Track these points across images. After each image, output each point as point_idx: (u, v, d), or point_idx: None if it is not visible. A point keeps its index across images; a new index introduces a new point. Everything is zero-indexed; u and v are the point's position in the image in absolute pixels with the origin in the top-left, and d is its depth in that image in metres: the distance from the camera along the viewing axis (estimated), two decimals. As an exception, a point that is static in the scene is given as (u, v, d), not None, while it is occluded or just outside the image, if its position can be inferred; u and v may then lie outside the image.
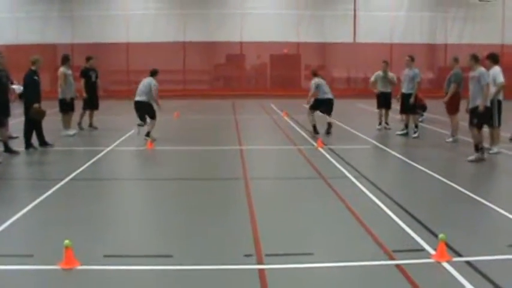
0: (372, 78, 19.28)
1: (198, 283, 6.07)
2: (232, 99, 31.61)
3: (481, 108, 12.76)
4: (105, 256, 6.74)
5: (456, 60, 16.00)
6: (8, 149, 13.76)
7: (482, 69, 13.00)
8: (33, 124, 14.70)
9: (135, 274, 6.33)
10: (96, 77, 18.81)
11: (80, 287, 6.00)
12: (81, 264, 6.37)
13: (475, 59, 13.21)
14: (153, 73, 16.93)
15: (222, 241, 7.42)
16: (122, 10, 35.83)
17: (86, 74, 18.39)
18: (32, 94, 14.59)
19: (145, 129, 15.80)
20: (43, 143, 14.82)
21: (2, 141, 13.89)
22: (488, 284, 5.88)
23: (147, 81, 16.41)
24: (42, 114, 14.75)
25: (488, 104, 12.98)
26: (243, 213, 8.67)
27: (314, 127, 17.35)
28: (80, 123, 18.44)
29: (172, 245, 7.26)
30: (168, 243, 7.41)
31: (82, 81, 18.31)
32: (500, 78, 13.37)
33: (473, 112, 13.04)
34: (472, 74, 13.10)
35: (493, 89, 13.31)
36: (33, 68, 14.83)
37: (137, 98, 16.15)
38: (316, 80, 17.59)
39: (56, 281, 6.13)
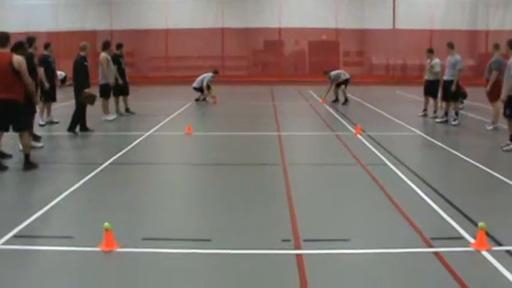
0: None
1: (236, 267, 6.11)
2: (270, 86, 31.59)
3: (503, 98, 12.61)
4: (144, 239, 6.82)
5: (497, 46, 15.72)
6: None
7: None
8: (84, 109, 14.93)
9: (174, 257, 6.39)
10: (124, 64, 19.02)
11: (119, 269, 6.09)
12: (121, 247, 6.46)
13: (510, 45, 13.01)
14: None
15: (260, 226, 7.45)
16: (160, -4, 36.03)
17: (116, 60, 18.54)
18: (82, 79, 14.81)
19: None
20: (84, 128, 15.01)
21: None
22: (529, 274, 5.81)
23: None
24: (92, 99, 14.96)
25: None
26: (281, 198, 8.68)
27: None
28: (117, 109, 18.64)
29: (211, 229, 7.31)
30: (207, 227, 7.46)
31: (114, 68, 18.51)
32: None
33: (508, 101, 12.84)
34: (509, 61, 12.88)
35: None
36: (82, 53, 15.08)
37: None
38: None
39: (96, 262, 6.22)
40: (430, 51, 18.59)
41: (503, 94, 12.72)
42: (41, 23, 33.79)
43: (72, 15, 35.33)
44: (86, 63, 14.98)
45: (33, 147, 11.94)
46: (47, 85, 15.15)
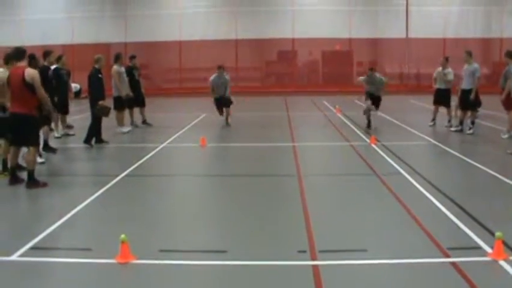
0: (434, 74, 18.90)
1: (252, 278, 6.12)
2: (284, 96, 31.60)
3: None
4: (161, 251, 6.85)
5: (510, 55, 15.64)
6: (46, 147, 13.70)
7: None
8: (99, 121, 15.04)
9: (190, 268, 6.41)
10: (139, 75, 19.07)
11: (135, 281, 6.11)
12: (137, 259, 6.49)
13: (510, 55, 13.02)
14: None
15: (276, 237, 7.45)
16: (173, 9, 36.22)
17: (129, 72, 18.62)
18: (97, 92, 14.93)
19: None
20: (99, 140, 15.10)
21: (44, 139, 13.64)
22: (548, 283, 5.78)
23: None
24: (107, 110, 15.06)
25: None
26: (296, 209, 8.68)
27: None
28: (132, 121, 18.71)
29: (227, 241, 7.32)
30: (223, 238, 7.48)
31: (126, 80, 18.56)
32: None
33: None
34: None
35: None
36: (96, 66, 15.22)
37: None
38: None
39: (113, 274, 6.27)
40: (447, 60, 18.51)
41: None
42: (57, 36, 34.13)
43: (87, 28, 35.61)
44: (100, 75, 15.09)
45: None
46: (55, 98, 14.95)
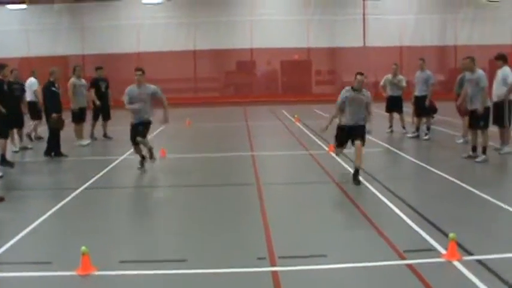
0: (382, 82, 19.30)
1: (213, 286, 6.18)
2: (243, 106, 31.71)
3: (480, 110, 12.94)
4: (121, 262, 6.88)
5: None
6: (4, 161, 13.50)
7: (481, 71, 13.17)
8: (57, 134, 14.94)
9: (151, 278, 6.47)
10: (107, 87, 18.91)
11: (96, 292, 6.14)
12: (98, 270, 6.51)
13: (473, 61, 13.37)
14: None
15: (235, 245, 7.55)
16: (131, 20, 36.00)
17: (95, 84, 18.54)
18: (51, 105, 14.84)
19: None
20: (58, 153, 15.01)
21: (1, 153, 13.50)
22: (499, 282, 5.97)
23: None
24: (61, 123, 14.98)
25: (488, 104, 13.14)
26: (256, 217, 8.79)
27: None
28: (92, 134, 18.59)
29: (187, 250, 7.38)
30: (183, 248, 7.53)
31: (92, 91, 18.43)
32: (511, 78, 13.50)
33: (473, 114, 13.22)
34: (470, 76, 13.24)
35: (503, 89, 13.44)
36: (51, 79, 15.11)
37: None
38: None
39: (74, 286, 6.28)
40: (397, 67, 18.94)
41: (480, 106, 12.99)
42: (12, 48, 33.66)
43: (44, 40, 35.18)
44: (53, 88, 14.99)
45: None
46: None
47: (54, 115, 14.76)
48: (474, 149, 13.44)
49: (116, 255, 7.14)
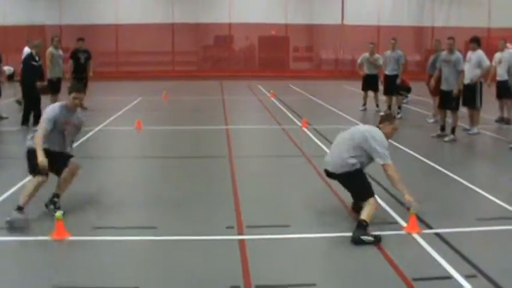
0: (359, 61, 19.58)
1: (182, 252, 6.47)
2: (220, 81, 31.82)
3: (455, 92, 13.25)
4: (94, 228, 7.11)
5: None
6: None
7: (458, 54, 13.48)
8: (34, 103, 15.00)
9: (123, 244, 6.73)
10: (87, 59, 18.93)
11: (71, 256, 6.36)
12: (72, 235, 6.73)
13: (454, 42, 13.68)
14: None
15: (205, 214, 7.81)
16: (110, -10, 35.85)
17: (74, 55, 18.59)
18: (28, 78, 14.87)
19: None
20: (37, 122, 15.09)
21: None
22: (453, 253, 6.31)
23: None
24: (47, 90, 15.09)
25: (461, 87, 13.48)
26: (226, 188, 9.07)
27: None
28: None
29: (158, 218, 7.63)
30: (154, 216, 7.78)
31: (70, 62, 18.48)
32: (487, 62, 13.86)
33: (445, 95, 13.54)
34: (447, 57, 13.52)
35: (477, 71, 13.78)
36: (33, 51, 15.11)
37: None
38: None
39: (49, 250, 6.52)
40: (374, 46, 19.26)
41: (456, 88, 13.30)
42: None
43: (20, 9, 34.80)
44: (33, 62, 14.97)
45: None
46: None
47: (38, 83, 14.83)
48: (443, 128, 13.81)
49: (89, 221, 7.36)
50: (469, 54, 14.08)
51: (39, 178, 7.38)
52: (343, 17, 36.93)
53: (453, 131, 13.43)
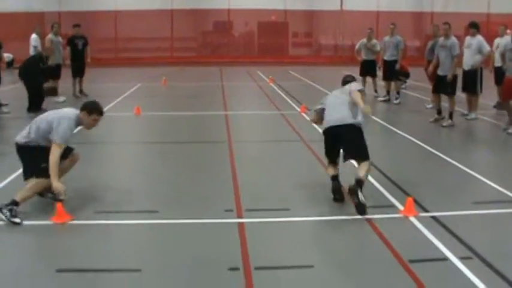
0: (357, 47, 19.61)
1: (182, 235, 6.56)
2: (219, 66, 31.86)
3: (449, 77, 13.32)
4: (96, 212, 7.20)
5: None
6: None
7: (454, 39, 13.54)
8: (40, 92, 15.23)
9: (124, 228, 6.83)
10: (84, 45, 18.98)
11: (72, 240, 6.44)
12: (73, 219, 6.82)
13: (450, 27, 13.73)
14: None
15: (205, 198, 7.91)
16: (109, -23, 35.80)
17: (71, 41, 18.65)
18: (37, 79, 15.19)
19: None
20: (40, 109, 15.26)
21: None
22: (449, 236, 6.41)
23: None
24: (54, 90, 15.23)
25: (456, 72, 13.54)
26: (225, 172, 9.17)
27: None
28: (74, 93, 18.67)
29: (159, 202, 7.72)
30: (155, 200, 7.86)
31: (67, 49, 18.55)
32: (488, 47, 13.88)
33: (440, 79, 13.60)
34: (443, 42, 13.59)
35: (478, 57, 13.83)
36: (43, 53, 15.70)
37: None
38: None
39: (51, 233, 6.62)
40: (372, 31, 19.28)
41: (450, 73, 13.36)
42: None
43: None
44: (42, 64, 15.32)
45: None
46: None
47: (45, 84, 15.04)
48: (439, 112, 13.90)
49: (90, 205, 7.46)
50: (468, 39, 14.09)
51: (42, 180, 7.13)
52: (342, 3, 36.94)
53: (451, 116, 13.49)
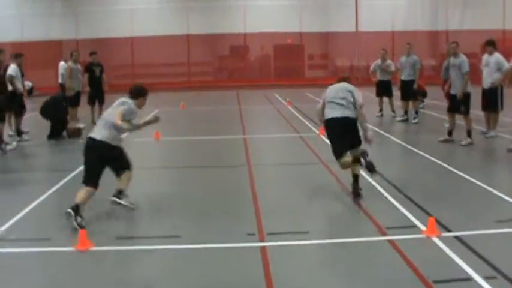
0: (371, 68, 19.69)
1: (205, 260, 6.55)
2: (236, 90, 31.98)
3: (459, 95, 13.32)
4: (117, 238, 7.23)
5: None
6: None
7: (463, 56, 13.54)
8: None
9: (146, 253, 6.82)
10: (101, 72, 19.19)
11: (95, 266, 6.47)
12: (95, 246, 6.85)
13: (458, 45, 13.79)
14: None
15: (226, 222, 7.92)
16: (125, 5, 36.08)
17: (89, 69, 18.86)
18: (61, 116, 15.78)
19: None
20: (60, 136, 15.46)
21: None
22: (475, 257, 6.33)
23: None
24: (79, 131, 15.43)
25: (469, 90, 13.53)
26: (246, 196, 9.18)
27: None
28: (93, 119, 18.80)
29: (180, 227, 7.74)
30: (176, 225, 7.88)
31: (86, 76, 18.76)
32: (506, 64, 13.85)
33: (453, 98, 13.60)
34: (454, 61, 13.62)
35: (497, 75, 13.80)
36: (66, 93, 16.52)
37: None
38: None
39: (73, 260, 6.63)
40: (386, 52, 19.33)
41: (460, 91, 13.36)
42: (6, 33, 33.78)
43: (37, 25, 35.23)
44: (65, 103, 15.97)
45: None
46: None
47: (69, 126, 15.58)
48: (450, 133, 13.81)
49: (112, 231, 7.50)
50: (486, 58, 14.07)
51: (90, 189, 8.09)
52: (357, 24, 36.96)
53: (469, 134, 13.42)
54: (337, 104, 8.98)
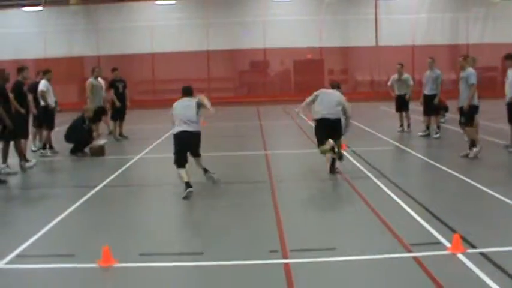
0: (389, 83, 19.66)
1: (228, 277, 6.54)
2: (256, 106, 32.02)
3: (465, 107, 13.45)
4: (141, 254, 7.23)
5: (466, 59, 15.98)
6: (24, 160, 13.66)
7: (470, 69, 13.53)
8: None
9: (169, 270, 6.82)
10: (124, 87, 19.34)
11: (118, 283, 6.49)
12: (118, 262, 6.86)
13: (465, 59, 13.81)
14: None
15: (249, 239, 7.90)
16: (145, 21, 36.41)
17: (113, 85, 19.01)
18: (76, 139, 15.88)
19: None
20: (82, 152, 15.59)
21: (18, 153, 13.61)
22: (502, 274, 6.25)
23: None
24: (101, 149, 15.54)
25: (476, 103, 13.72)
26: (269, 212, 9.14)
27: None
28: (114, 136, 18.93)
29: (203, 244, 7.73)
30: (199, 241, 7.88)
31: (111, 92, 18.92)
32: None
33: (462, 111, 13.71)
34: (462, 75, 13.66)
35: None
36: (85, 115, 16.10)
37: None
38: None
39: (96, 277, 6.65)
40: (402, 66, 19.29)
41: (466, 103, 13.40)
42: (29, 50, 34.25)
43: (60, 41, 35.68)
44: (84, 125, 15.90)
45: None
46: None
47: (92, 145, 15.71)
48: (470, 147, 13.76)
49: (135, 248, 7.50)
50: (508, 72, 14.01)
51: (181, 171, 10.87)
52: (377, 39, 36.92)
53: (472, 144, 13.60)
54: (330, 108, 11.76)
